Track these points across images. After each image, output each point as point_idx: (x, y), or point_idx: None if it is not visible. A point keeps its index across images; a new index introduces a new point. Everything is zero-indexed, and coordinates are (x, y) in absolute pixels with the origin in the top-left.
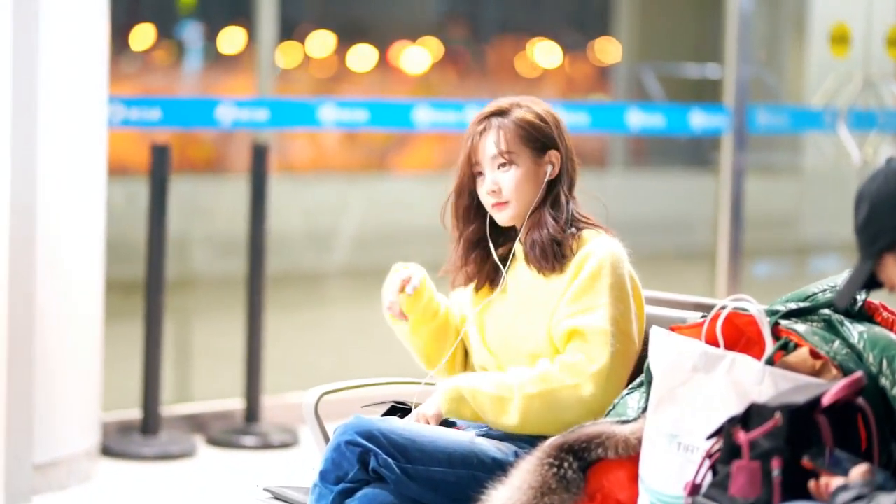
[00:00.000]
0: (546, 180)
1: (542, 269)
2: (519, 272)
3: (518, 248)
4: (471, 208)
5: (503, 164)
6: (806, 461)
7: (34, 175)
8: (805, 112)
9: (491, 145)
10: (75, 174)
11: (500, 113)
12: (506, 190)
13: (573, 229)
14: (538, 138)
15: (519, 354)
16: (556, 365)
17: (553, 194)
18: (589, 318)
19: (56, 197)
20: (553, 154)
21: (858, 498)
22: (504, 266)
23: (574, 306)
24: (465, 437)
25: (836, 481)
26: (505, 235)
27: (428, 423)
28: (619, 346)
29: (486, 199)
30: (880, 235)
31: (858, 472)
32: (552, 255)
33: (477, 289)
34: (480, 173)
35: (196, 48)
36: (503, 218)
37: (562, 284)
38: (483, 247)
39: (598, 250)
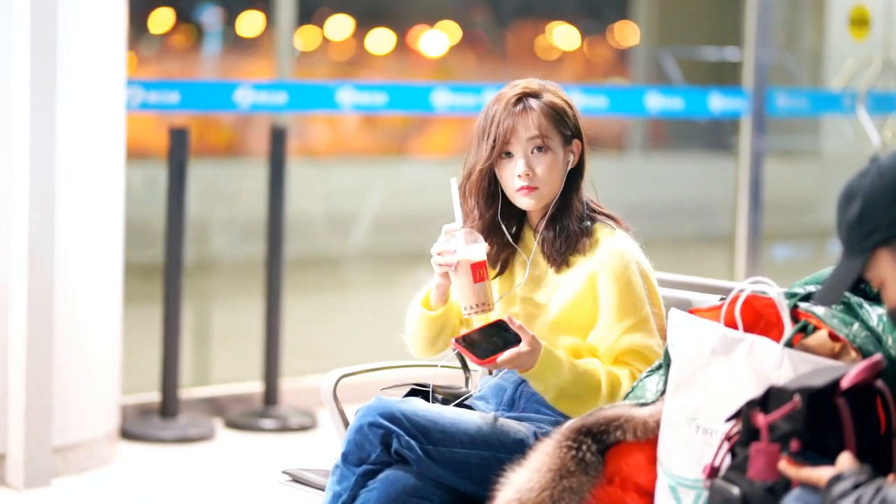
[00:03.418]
0: (567, 170)
1: (553, 263)
2: (535, 261)
3: (531, 236)
4: (489, 191)
5: (539, 148)
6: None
7: (53, 158)
8: (824, 95)
9: (530, 126)
10: (94, 158)
11: (534, 95)
12: (539, 175)
13: (588, 222)
14: (568, 125)
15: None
16: (629, 378)
17: (573, 185)
18: (641, 337)
19: (75, 180)
20: (577, 144)
21: (857, 486)
22: (526, 255)
23: (622, 323)
24: (486, 418)
25: (826, 472)
26: (511, 222)
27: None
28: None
29: (514, 182)
30: (876, 230)
31: (847, 460)
32: (565, 250)
33: (499, 275)
34: (509, 154)
35: (215, 31)
36: (528, 203)
37: (581, 280)
38: (495, 232)
39: (617, 252)
